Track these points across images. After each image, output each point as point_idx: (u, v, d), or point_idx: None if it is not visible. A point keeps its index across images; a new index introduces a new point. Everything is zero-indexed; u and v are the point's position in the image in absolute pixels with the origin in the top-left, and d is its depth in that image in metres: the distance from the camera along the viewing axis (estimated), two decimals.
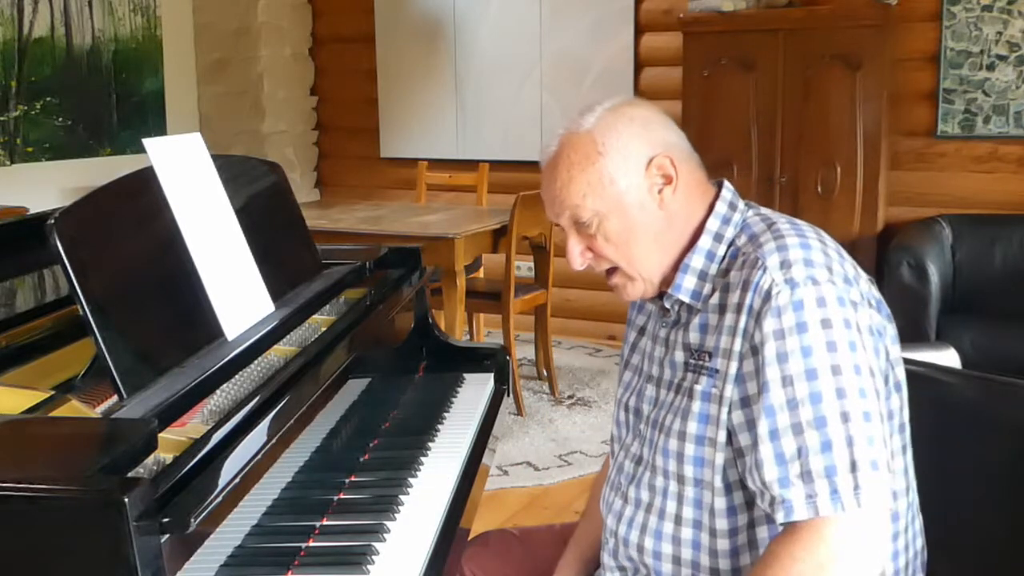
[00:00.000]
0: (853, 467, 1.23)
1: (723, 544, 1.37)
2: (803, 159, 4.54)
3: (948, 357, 1.84)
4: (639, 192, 1.39)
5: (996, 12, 4.47)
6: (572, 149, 1.39)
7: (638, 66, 5.29)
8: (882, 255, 4.31)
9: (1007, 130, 4.53)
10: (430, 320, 2.25)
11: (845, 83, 4.41)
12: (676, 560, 1.40)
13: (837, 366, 1.26)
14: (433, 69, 5.81)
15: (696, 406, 1.36)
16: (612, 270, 1.43)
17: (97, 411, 1.34)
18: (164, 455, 1.16)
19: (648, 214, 1.39)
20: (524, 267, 5.02)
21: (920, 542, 1.47)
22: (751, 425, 1.29)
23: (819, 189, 4.51)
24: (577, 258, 1.42)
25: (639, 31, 5.28)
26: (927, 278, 4.06)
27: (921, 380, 1.57)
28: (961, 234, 4.38)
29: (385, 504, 1.52)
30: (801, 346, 1.26)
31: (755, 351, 1.29)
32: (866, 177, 4.45)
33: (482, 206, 4.93)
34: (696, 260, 1.40)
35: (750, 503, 1.34)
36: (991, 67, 4.51)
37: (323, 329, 1.71)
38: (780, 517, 1.26)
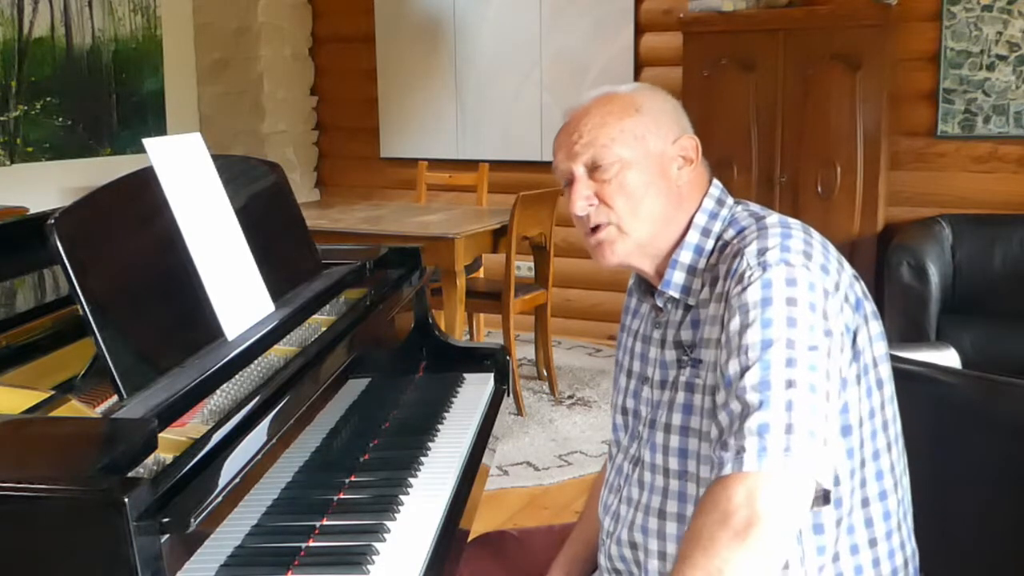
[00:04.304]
0: (788, 429, 1.19)
1: None
2: (803, 159, 4.53)
3: (948, 357, 1.84)
4: (663, 159, 1.43)
5: (996, 12, 4.47)
6: (610, 101, 1.44)
7: (638, 66, 5.29)
8: (882, 255, 4.31)
9: (1007, 130, 4.53)
10: (430, 320, 2.25)
11: (845, 83, 4.41)
12: (662, 556, 1.40)
13: (792, 340, 1.24)
14: (433, 69, 5.81)
15: (680, 397, 1.37)
16: (599, 226, 1.41)
17: (97, 411, 1.34)
18: (164, 455, 1.16)
19: (665, 182, 1.42)
20: (524, 267, 5.02)
21: (913, 540, 1.47)
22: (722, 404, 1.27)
23: (819, 189, 4.51)
24: (582, 201, 1.41)
25: (639, 31, 5.28)
26: (927, 278, 4.06)
27: (921, 380, 1.57)
28: (961, 234, 4.39)
29: (385, 504, 1.52)
30: (762, 318, 1.25)
31: (724, 330, 1.30)
32: (866, 177, 4.45)
33: (482, 206, 4.92)
34: (684, 255, 1.42)
35: None
36: (991, 67, 4.51)
37: (323, 329, 1.71)
38: (712, 476, 1.21)
